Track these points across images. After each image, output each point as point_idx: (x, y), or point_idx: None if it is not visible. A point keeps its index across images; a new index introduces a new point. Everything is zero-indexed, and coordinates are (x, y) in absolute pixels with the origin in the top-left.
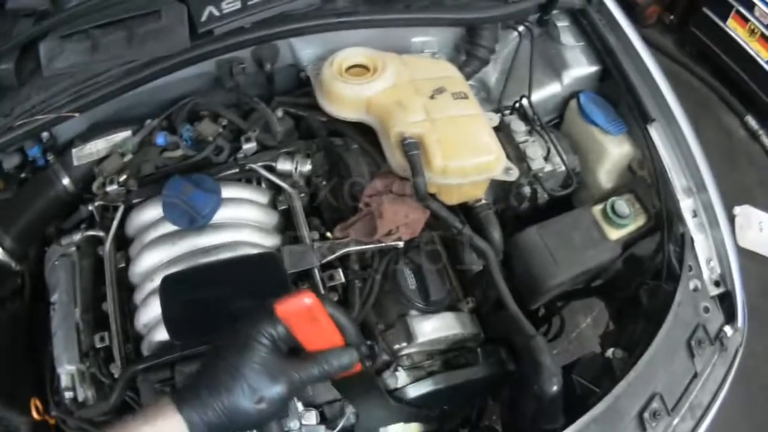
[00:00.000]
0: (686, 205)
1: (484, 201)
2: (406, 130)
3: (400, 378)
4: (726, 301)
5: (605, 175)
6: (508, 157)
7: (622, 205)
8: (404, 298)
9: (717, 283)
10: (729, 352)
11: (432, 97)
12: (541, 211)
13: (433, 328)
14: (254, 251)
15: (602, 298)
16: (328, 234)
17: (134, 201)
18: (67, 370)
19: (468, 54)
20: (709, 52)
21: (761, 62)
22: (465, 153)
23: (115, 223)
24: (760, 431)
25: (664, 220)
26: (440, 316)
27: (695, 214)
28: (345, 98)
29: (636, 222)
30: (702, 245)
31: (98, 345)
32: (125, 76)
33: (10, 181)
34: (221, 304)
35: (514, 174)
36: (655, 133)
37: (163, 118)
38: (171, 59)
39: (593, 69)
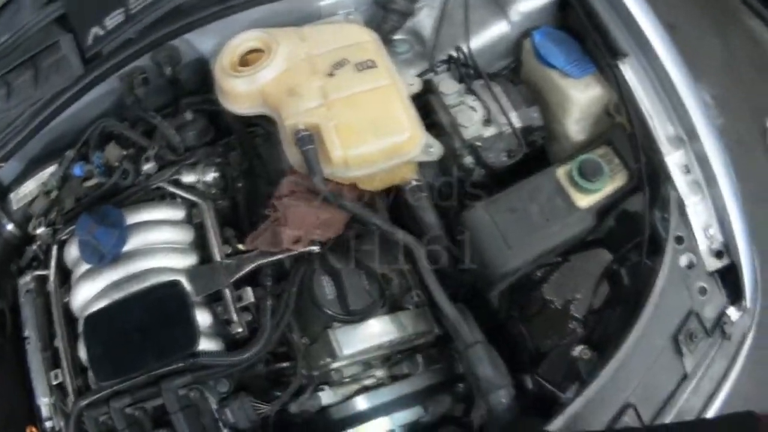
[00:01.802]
0: (674, 158)
1: (414, 182)
2: (299, 120)
3: (323, 397)
4: (730, 276)
5: (575, 125)
6: (439, 127)
7: (591, 164)
8: (323, 310)
9: (719, 254)
10: (733, 341)
11: (331, 74)
12: (507, 176)
13: (360, 339)
14: (167, 277)
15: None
16: (241, 246)
17: (63, 237)
18: (43, 402)
19: (384, 8)
20: None
21: None
22: (369, 137)
23: (52, 263)
24: None
25: (644, 180)
26: (367, 324)
27: (687, 170)
28: (237, 93)
29: (613, 182)
30: (697, 209)
31: (54, 382)
32: (34, 117)
33: None
34: (132, 340)
35: (435, 152)
36: (628, 70)
37: (79, 148)
38: (69, 90)
39: None
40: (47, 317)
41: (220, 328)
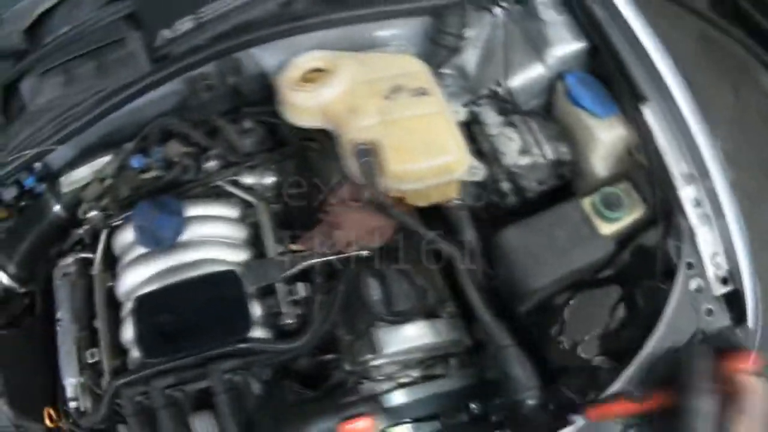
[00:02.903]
0: (687, 193)
1: (457, 201)
2: (358, 135)
3: (363, 390)
4: (734, 300)
5: (600, 162)
6: (480, 153)
7: (613, 196)
8: (369, 309)
9: (724, 280)
10: None
11: (388, 97)
12: (538, 203)
13: (400, 339)
14: (221, 268)
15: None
16: (293, 246)
17: (115, 223)
18: (71, 382)
19: (434, 43)
20: (746, 13)
21: None
22: (421, 156)
23: (100, 246)
24: None
25: (659, 212)
26: (409, 326)
27: (698, 204)
28: (300, 107)
29: (632, 214)
30: (706, 238)
31: (90, 360)
32: (98, 105)
33: (12, 210)
34: (186, 322)
35: (479, 173)
36: (649, 113)
37: (138, 141)
38: (135, 85)
39: (579, 46)
40: (87, 299)
41: (270, 319)
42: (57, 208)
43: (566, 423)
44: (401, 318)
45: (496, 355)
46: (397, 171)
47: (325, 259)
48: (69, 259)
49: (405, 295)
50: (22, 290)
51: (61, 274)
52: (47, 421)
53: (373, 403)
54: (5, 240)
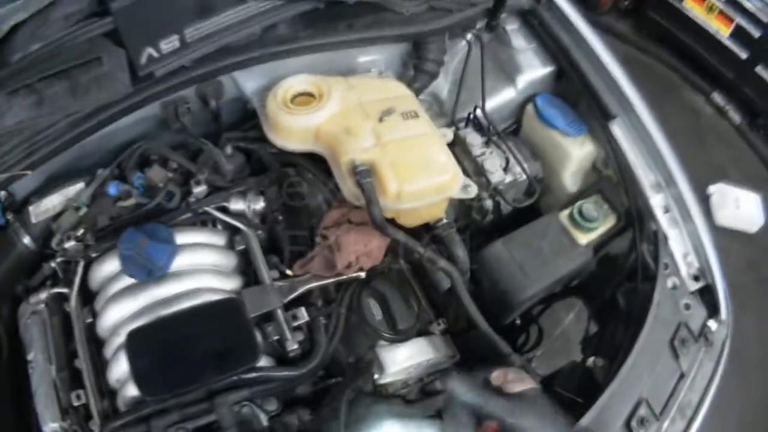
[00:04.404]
0: (656, 201)
1: (445, 220)
2: (356, 157)
3: None
4: (707, 294)
5: (570, 178)
6: (465, 172)
7: (590, 208)
8: (371, 329)
9: (696, 278)
10: (715, 347)
11: (381, 120)
12: (507, 221)
13: (405, 357)
14: (215, 297)
15: (581, 298)
16: (288, 271)
17: (93, 255)
18: (51, 427)
19: (416, 69)
20: (667, 34)
21: (722, 39)
22: (420, 175)
23: (77, 280)
24: (756, 408)
25: (634, 219)
26: (410, 343)
27: (667, 210)
28: (292, 130)
29: (605, 223)
30: (677, 240)
31: (75, 403)
32: (71, 129)
33: None
34: (187, 355)
35: (472, 191)
36: (617, 129)
37: (114, 167)
38: (114, 107)
39: (547, 70)
40: (64, 337)
41: (270, 347)
42: (26, 240)
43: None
44: (402, 337)
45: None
46: (398, 190)
47: (324, 282)
48: (40, 296)
49: (405, 314)
50: None
51: (29, 312)
52: None
53: None
54: None
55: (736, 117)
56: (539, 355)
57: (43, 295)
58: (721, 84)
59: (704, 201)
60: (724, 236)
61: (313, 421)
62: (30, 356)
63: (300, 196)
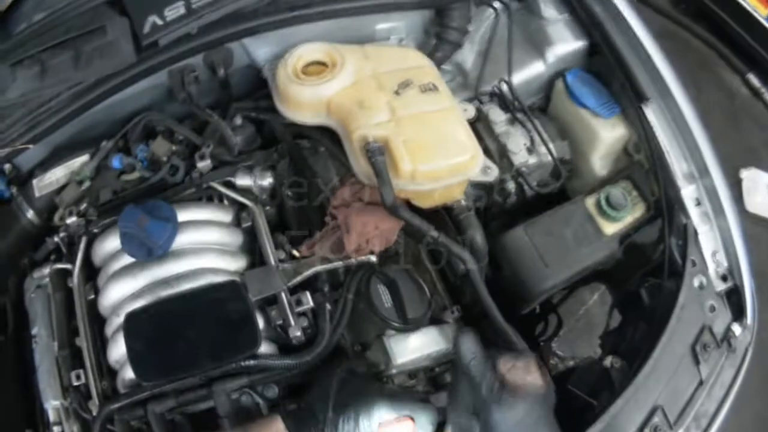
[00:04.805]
0: (688, 192)
1: (463, 202)
2: (368, 133)
3: None
4: (734, 296)
5: (599, 162)
6: (487, 152)
7: (617, 195)
8: (380, 317)
9: (724, 278)
10: (738, 353)
11: (397, 93)
12: (533, 202)
13: (413, 348)
14: (218, 278)
15: (604, 283)
16: (295, 252)
17: (95, 231)
18: (52, 405)
19: (438, 38)
20: (705, 9)
21: (760, 19)
22: (436, 154)
23: (79, 255)
24: None
25: (664, 211)
26: (420, 333)
27: (698, 202)
28: (302, 101)
29: (633, 212)
30: (707, 237)
31: (75, 383)
32: (74, 100)
33: None
34: (185, 340)
35: (493, 173)
36: (651, 113)
37: (118, 139)
38: (118, 76)
39: (580, 44)
40: (67, 314)
41: (273, 332)
42: (30, 213)
43: (583, 425)
44: (412, 325)
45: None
46: (412, 170)
47: (331, 266)
48: (44, 270)
49: (416, 302)
50: None
51: (34, 286)
52: None
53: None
54: None
55: None
56: (561, 335)
57: (47, 269)
58: (758, 65)
59: (736, 186)
60: (755, 224)
61: (302, 400)
62: (34, 331)
63: (301, 198)
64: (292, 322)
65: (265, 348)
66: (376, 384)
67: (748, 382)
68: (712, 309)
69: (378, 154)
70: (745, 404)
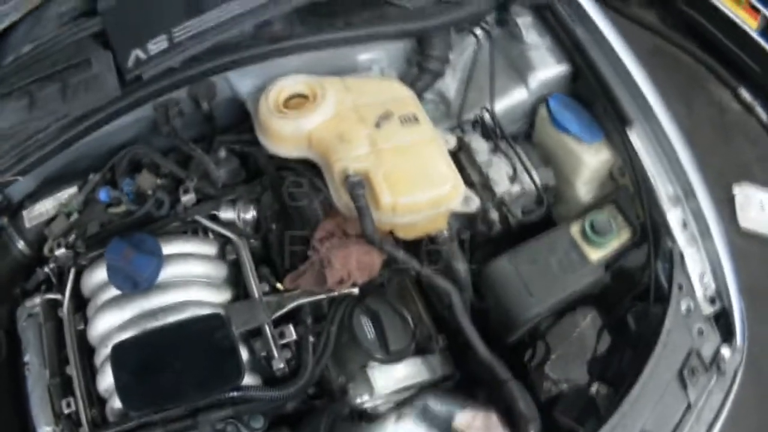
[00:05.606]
0: (674, 215)
1: (446, 233)
2: (349, 165)
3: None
4: (722, 318)
5: (584, 187)
6: (469, 182)
7: (602, 221)
8: (363, 349)
9: (712, 300)
10: (727, 376)
11: (377, 125)
12: (517, 231)
13: (397, 379)
14: (203, 310)
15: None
16: (279, 285)
17: (83, 263)
18: (45, 431)
19: (419, 67)
20: (694, 24)
21: (750, 32)
22: (416, 187)
23: (68, 287)
24: None
25: (649, 235)
26: (404, 364)
27: (685, 225)
28: (284, 134)
29: (619, 237)
30: (694, 259)
31: (66, 411)
32: (61, 133)
33: None
34: (171, 370)
35: (474, 203)
36: (635, 136)
37: (105, 172)
38: (103, 110)
39: (562, 69)
40: (58, 343)
41: (257, 364)
42: (20, 244)
43: None
44: (396, 357)
45: (499, 390)
46: (392, 203)
47: (315, 298)
48: (35, 300)
49: (399, 333)
50: None
51: (26, 315)
52: None
53: None
54: None
55: (763, 115)
56: (554, 358)
57: (38, 299)
58: (748, 79)
59: (728, 202)
60: (747, 240)
61: None
62: (26, 358)
63: (300, 197)
64: (276, 355)
65: (249, 379)
66: (364, 428)
67: (744, 401)
68: (701, 332)
69: (358, 187)
70: (742, 423)
